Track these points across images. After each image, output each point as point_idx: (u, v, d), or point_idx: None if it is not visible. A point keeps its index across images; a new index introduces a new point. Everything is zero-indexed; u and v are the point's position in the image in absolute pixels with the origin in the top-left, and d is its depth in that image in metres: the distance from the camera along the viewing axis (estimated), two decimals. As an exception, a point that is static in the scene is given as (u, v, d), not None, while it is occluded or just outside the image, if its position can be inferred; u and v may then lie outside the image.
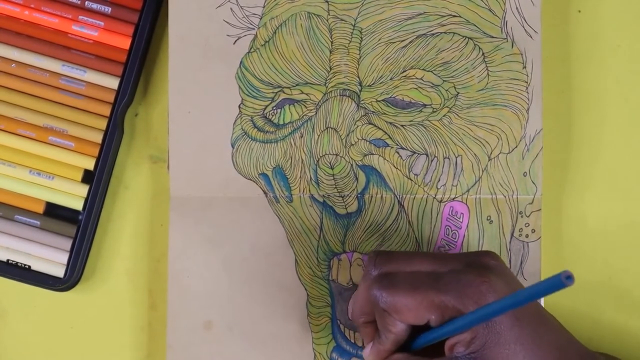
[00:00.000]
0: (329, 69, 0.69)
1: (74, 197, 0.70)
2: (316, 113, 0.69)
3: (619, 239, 0.71)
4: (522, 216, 0.69)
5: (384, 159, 0.69)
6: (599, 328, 0.71)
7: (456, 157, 0.69)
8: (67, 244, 0.70)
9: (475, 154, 0.69)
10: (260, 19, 0.69)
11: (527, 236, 0.69)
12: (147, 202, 0.72)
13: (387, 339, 0.61)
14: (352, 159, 0.69)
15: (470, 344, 0.58)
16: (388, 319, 0.60)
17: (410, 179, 0.69)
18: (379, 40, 0.69)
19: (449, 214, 0.69)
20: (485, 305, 0.57)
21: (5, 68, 0.70)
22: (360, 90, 0.69)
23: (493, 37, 0.69)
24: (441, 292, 0.59)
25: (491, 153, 0.69)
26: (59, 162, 0.70)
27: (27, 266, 0.70)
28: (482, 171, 0.69)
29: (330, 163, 0.69)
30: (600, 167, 0.71)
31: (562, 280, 0.49)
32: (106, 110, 0.70)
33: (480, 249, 0.68)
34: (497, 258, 0.61)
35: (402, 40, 0.69)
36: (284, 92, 0.69)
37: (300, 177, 0.69)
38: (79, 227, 0.70)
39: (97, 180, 0.70)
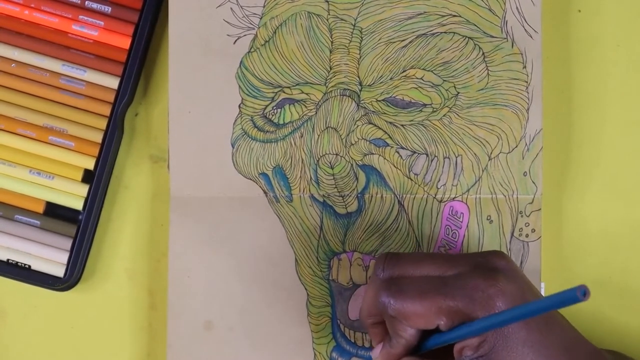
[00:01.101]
0: (329, 69, 0.69)
1: (74, 196, 0.70)
2: (316, 113, 0.69)
3: (619, 238, 0.71)
4: (522, 216, 0.69)
5: (384, 158, 0.69)
6: (600, 328, 0.71)
7: (456, 157, 0.69)
8: (67, 243, 0.70)
9: (475, 154, 0.69)
10: (261, 18, 0.69)
11: (527, 236, 0.69)
12: (147, 202, 0.71)
13: (397, 343, 0.61)
14: (352, 158, 0.69)
15: (478, 348, 0.58)
16: (398, 324, 0.60)
17: (410, 179, 0.69)
18: (379, 40, 0.69)
19: (449, 214, 0.69)
20: (497, 313, 0.57)
21: (5, 68, 0.70)
22: (360, 90, 0.69)
23: (493, 36, 0.69)
24: (449, 297, 0.59)
25: (491, 153, 0.69)
26: (59, 161, 0.70)
27: (27, 266, 0.70)
28: (482, 171, 0.69)
29: (330, 163, 0.69)
30: (600, 167, 0.71)
31: (577, 295, 0.49)
32: (106, 110, 0.70)
33: (480, 249, 0.69)
34: (505, 258, 0.60)
35: (402, 40, 0.69)
36: (284, 92, 0.69)
37: (301, 176, 0.69)
38: (79, 226, 0.70)
39: (97, 180, 0.70)
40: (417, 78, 0.69)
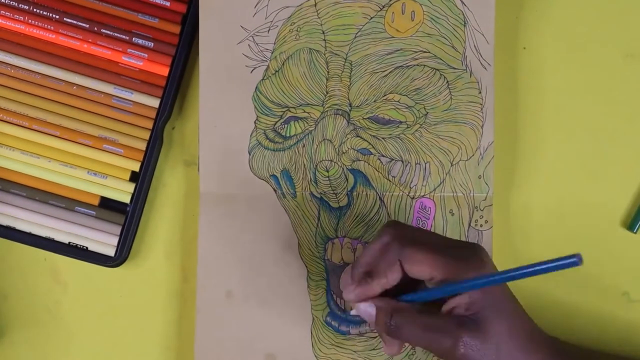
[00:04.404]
0: (325, 93, 0.72)
1: (123, 192, 0.73)
2: (315, 127, 0.72)
3: (555, 227, 0.74)
4: (477, 210, 0.72)
5: (369, 164, 0.72)
6: (549, 304, 0.73)
7: (425, 163, 0.72)
8: (117, 229, 0.73)
9: (440, 161, 0.72)
10: (272, 53, 0.72)
11: (481, 226, 0.72)
12: (181, 197, 0.74)
13: (378, 283, 0.60)
14: (343, 164, 0.72)
15: (468, 308, 0.59)
16: (393, 266, 0.59)
17: (389, 180, 0.72)
18: (365, 70, 0.72)
19: (419, 208, 0.72)
20: (494, 273, 0.58)
21: (68, 90, 0.73)
22: (350, 110, 0.72)
23: (455, 68, 0.72)
24: (454, 258, 0.59)
25: (453, 160, 0.72)
26: (111, 164, 0.73)
27: (85, 247, 0.73)
28: (446, 174, 0.72)
29: (326, 167, 0.72)
30: (540, 171, 0.74)
31: (576, 261, 0.48)
32: (149, 124, 0.73)
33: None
34: (482, 247, 0.62)
35: (384, 71, 0.72)
36: (290, 111, 0.72)
37: (303, 178, 0.72)
38: (127, 216, 0.73)
39: (142, 179, 0.73)
40: (395, 101, 0.72)
